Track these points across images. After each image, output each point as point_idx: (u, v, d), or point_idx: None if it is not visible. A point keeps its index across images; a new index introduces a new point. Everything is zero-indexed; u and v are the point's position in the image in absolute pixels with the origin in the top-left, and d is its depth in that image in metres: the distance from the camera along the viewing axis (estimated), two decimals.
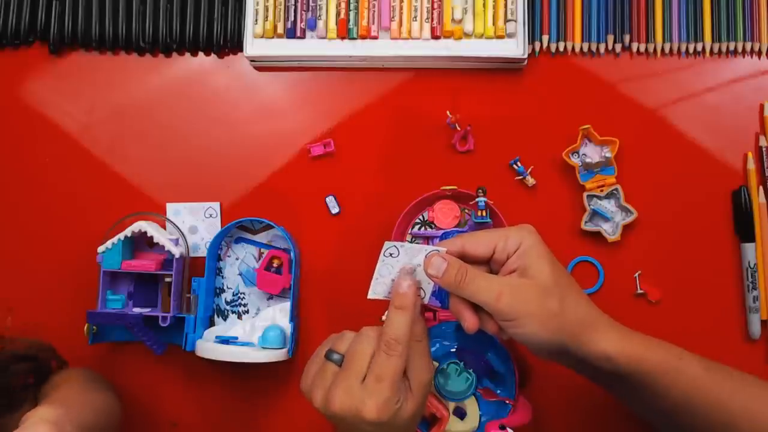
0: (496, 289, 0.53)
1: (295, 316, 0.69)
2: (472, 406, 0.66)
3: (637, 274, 0.70)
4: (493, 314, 0.53)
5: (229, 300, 0.71)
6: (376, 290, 0.57)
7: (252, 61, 0.73)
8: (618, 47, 0.72)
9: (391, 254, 0.56)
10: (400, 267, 0.56)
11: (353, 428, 0.52)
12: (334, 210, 0.72)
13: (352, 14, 0.71)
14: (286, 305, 0.70)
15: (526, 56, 0.70)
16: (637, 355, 0.54)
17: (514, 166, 0.71)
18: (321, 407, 0.53)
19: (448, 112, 0.70)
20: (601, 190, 0.69)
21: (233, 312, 0.71)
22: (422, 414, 0.56)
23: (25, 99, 0.74)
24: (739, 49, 0.71)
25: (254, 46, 0.72)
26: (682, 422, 0.56)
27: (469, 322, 0.54)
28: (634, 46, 0.72)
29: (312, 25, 0.71)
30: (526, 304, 0.52)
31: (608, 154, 0.69)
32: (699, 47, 0.71)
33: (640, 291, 0.69)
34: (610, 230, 0.69)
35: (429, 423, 0.64)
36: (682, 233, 0.70)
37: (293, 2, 0.72)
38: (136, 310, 0.69)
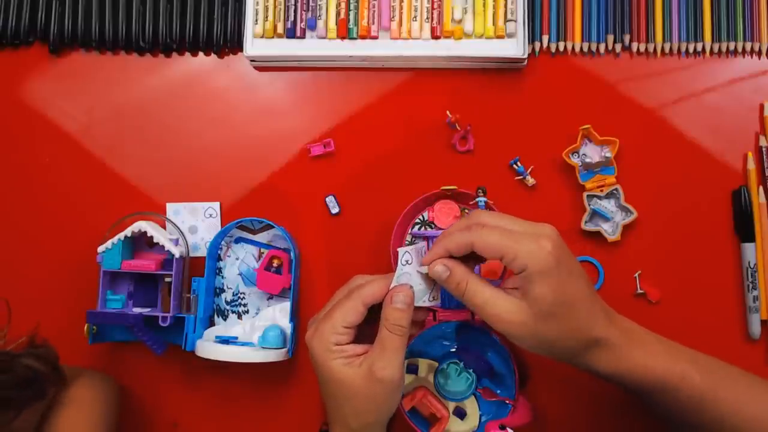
0: (493, 305, 0.53)
1: (295, 316, 0.69)
2: (472, 406, 0.66)
3: (637, 274, 0.70)
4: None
5: (229, 300, 0.71)
6: None
7: (252, 61, 0.73)
8: (618, 47, 0.72)
9: (407, 261, 0.56)
10: (415, 271, 0.56)
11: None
12: (334, 210, 0.72)
13: (352, 14, 0.71)
14: (286, 305, 0.70)
15: (526, 56, 0.70)
16: (638, 374, 0.55)
17: (514, 166, 0.71)
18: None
19: (448, 112, 0.70)
20: (601, 190, 0.69)
21: (233, 312, 0.71)
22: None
23: (25, 99, 0.74)
24: (739, 49, 0.71)
25: (254, 46, 0.72)
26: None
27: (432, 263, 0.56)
28: (634, 46, 0.72)
29: (312, 25, 0.71)
30: (519, 328, 0.53)
31: (608, 154, 0.69)
32: (699, 47, 0.71)
33: (640, 291, 0.69)
34: (610, 230, 0.69)
35: (429, 423, 0.64)
36: (682, 233, 0.70)
37: (293, 2, 0.72)
38: (136, 310, 0.69)
